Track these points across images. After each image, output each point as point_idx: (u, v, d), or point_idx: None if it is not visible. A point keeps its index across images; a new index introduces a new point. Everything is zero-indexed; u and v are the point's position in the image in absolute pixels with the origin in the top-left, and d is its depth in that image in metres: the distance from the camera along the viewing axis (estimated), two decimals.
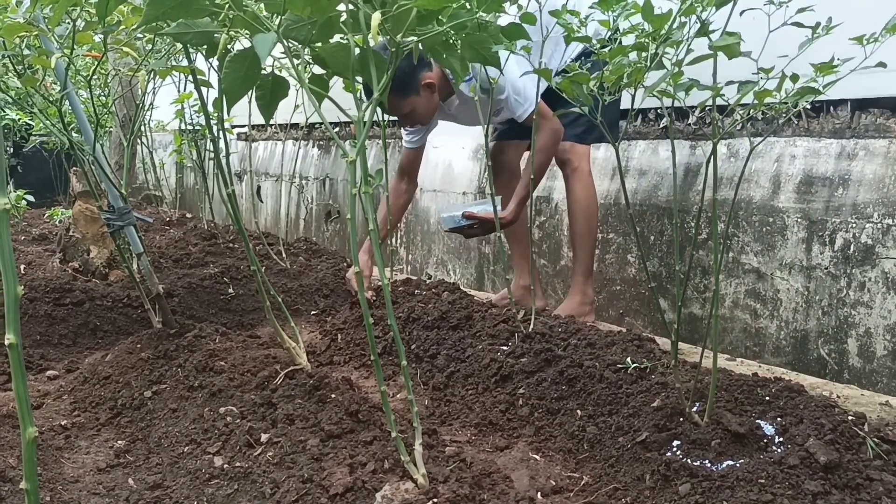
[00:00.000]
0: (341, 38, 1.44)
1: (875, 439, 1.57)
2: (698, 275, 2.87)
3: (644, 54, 1.50)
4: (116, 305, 3.03)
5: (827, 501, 1.41)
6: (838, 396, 1.91)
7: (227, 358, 2.18)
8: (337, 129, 5.11)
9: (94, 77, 2.72)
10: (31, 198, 4.92)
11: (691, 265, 1.87)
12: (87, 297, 3.01)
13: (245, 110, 4.15)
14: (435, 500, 1.43)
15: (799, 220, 2.56)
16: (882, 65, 1.41)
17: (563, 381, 2.05)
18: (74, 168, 3.56)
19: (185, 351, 2.28)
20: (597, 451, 1.79)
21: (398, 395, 2.26)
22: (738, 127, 2.74)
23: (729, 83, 1.49)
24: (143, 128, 5.42)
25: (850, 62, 1.42)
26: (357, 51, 1.42)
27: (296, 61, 1.42)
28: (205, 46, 1.71)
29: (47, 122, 2.43)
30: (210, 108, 2.20)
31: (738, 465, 1.55)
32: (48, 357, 2.65)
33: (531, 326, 2.38)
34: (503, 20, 1.81)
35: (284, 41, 1.36)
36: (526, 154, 3.12)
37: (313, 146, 5.42)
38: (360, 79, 1.59)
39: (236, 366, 2.12)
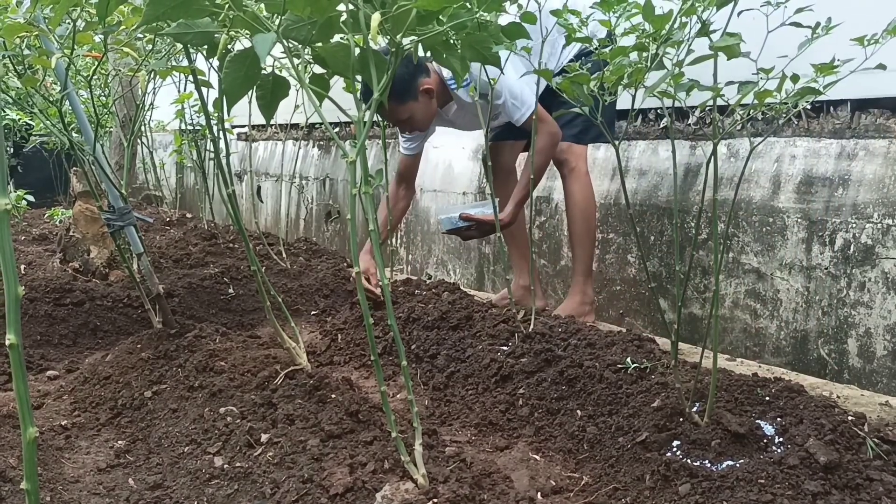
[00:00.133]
0: (341, 38, 1.44)
1: (875, 439, 1.57)
2: (698, 275, 2.87)
3: (644, 54, 1.50)
4: (117, 305, 3.03)
5: (827, 501, 1.41)
6: (838, 397, 1.91)
7: (228, 358, 2.18)
8: (337, 130, 5.11)
9: (95, 77, 2.72)
10: (31, 198, 4.92)
11: (691, 265, 1.87)
12: (88, 298, 3.01)
13: (245, 110, 4.15)
14: (435, 500, 1.43)
15: (799, 220, 2.56)
16: (882, 66, 1.41)
17: (563, 382, 2.05)
18: (75, 168, 3.56)
19: (185, 351, 2.28)
20: (597, 452, 1.79)
21: (398, 396, 2.26)
22: (739, 127, 2.74)
23: (729, 83, 1.49)
24: (143, 128, 5.43)
25: (851, 63, 1.42)
26: (357, 51, 1.42)
27: (296, 61, 1.42)
28: (205, 46, 1.71)
29: (47, 122, 2.43)
30: (210, 108, 2.20)
31: (738, 465, 1.55)
32: (48, 357, 2.65)
33: (531, 326, 2.38)
34: (503, 20, 1.81)
35: (284, 41, 1.36)
36: (523, 155, 3.13)
37: (313, 146, 5.42)
38: (359, 79, 1.59)
39: (236, 366, 2.12)
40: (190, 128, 4.74)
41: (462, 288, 3.01)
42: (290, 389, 1.94)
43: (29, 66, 2.30)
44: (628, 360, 2.06)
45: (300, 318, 3.06)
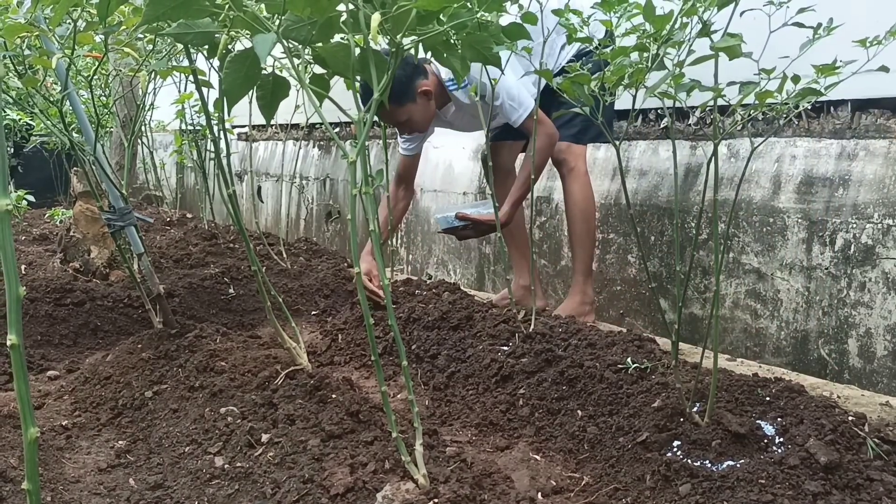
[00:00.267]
0: (342, 38, 1.44)
1: (875, 439, 1.57)
2: (699, 275, 2.87)
3: (645, 55, 1.50)
4: (117, 306, 3.03)
5: (827, 502, 1.41)
6: (839, 397, 1.91)
7: (228, 358, 2.18)
8: (337, 130, 5.11)
9: (95, 77, 2.72)
10: (31, 198, 4.92)
11: (692, 265, 1.87)
12: (88, 298, 3.01)
13: (246, 110, 4.15)
14: (436, 500, 1.43)
15: (799, 220, 2.56)
16: (885, 69, 1.40)
17: (564, 382, 2.05)
18: (75, 168, 3.56)
19: (185, 351, 2.28)
20: (597, 452, 1.79)
21: (399, 396, 2.26)
22: (739, 127, 2.74)
23: (730, 84, 1.49)
24: (143, 128, 5.43)
25: (852, 65, 1.42)
26: (357, 51, 1.42)
27: (296, 61, 1.42)
28: (205, 47, 1.71)
29: (48, 122, 2.43)
30: (211, 109, 2.20)
31: (738, 465, 1.55)
32: (49, 357, 2.65)
33: (532, 327, 2.38)
34: (504, 20, 1.81)
35: (284, 41, 1.36)
36: (520, 155, 3.13)
37: (314, 146, 5.42)
38: (359, 79, 1.59)
39: (237, 366, 2.13)
40: (190, 128, 4.74)
41: (462, 288, 3.01)
42: (291, 389, 1.95)
43: (30, 67, 2.30)
44: (629, 360, 2.06)
45: (301, 319, 3.06)
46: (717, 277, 1.74)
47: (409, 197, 3.24)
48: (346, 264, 3.93)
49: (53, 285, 3.03)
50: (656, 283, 3.02)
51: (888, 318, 2.32)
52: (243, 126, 5.41)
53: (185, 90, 4.74)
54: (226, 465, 1.67)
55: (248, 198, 5.84)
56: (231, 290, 3.36)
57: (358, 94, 1.64)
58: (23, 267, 3.69)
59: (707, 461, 1.59)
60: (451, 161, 4.15)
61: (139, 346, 2.37)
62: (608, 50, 1.56)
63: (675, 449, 1.65)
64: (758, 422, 1.67)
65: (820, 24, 1.42)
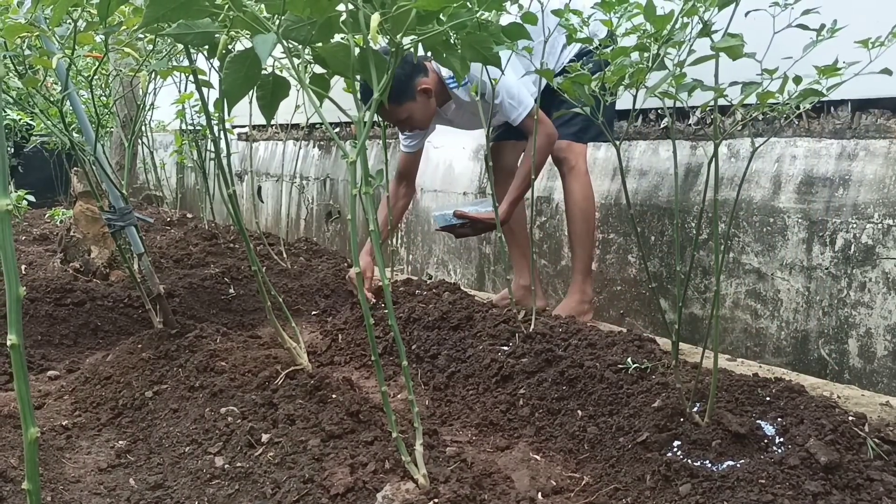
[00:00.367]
0: (341, 38, 1.44)
1: (875, 440, 1.57)
2: (699, 275, 2.87)
3: (646, 55, 1.50)
4: (117, 306, 3.03)
5: (827, 502, 1.41)
6: (839, 397, 1.91)
7: (228, 358, 2.18)
8: (337, 130, 5.11)
9: (96, 77, 2.72)
10: (31, 198, 4.92)
11: (692, 265, 1.86)
12: (88, 298, 3.01)
13: (246, 110, 4.15)
14: (436, 500, 1.43)
15: (799, 220, 2.56)
16: (888, 72, 1.40)
17: (564, 382, 2.05)
18: (75, 168, 3.56)
19: (186, 351, 2.28)
20: (597, 452, 1.79)
21: (399, 396, 2.26)
22: (739, 128, 2.74)
23: (732, 84, 1.49)
24: (143, 128, 5.43)
25: (854, 66, 1.42)
26: (357, 51, 1.42)
27: (296, 61, 1.42)
28: (205, 47, 1.71)
29: (48, 122, 2.43)
30: (211, 109, 2.20)
31: (738, 465, 1.55)
32: (49, 357, 2.65)
33: (532, 327, 2.38)
34: (503, 20, 1.81)
35: (284, 42, 1.36)
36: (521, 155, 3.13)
37: (314, 146, 5.42)
38: (359, 79, 1.59)
39: (237, 366, 2.13)
40: (190, 128, 4.74)
41: (462, 288, 3.01)
42: (291, 389, 1.95)
43: (30, 67, 2.30)
44: (629, 360, 2.06)
45: (301, 319, 3.06)
46: (717, 277, 1.74)
47: (410, 195, 3.24)
48: (346, 264, 3.94)
49: (54, 285, 3.03)
50: (656, 283, 3.02)
51: (888, 318, 2.32)
52: (243, 126, 5.41)
53: (186, 90, 4.74)
54: (226, 465, 1.67)
55: (248, 198, 5.84)
56: (231, 290, 3.36)
57: (358, 95, 1.64)
58: (23, 267, 3.69)
59: (707, 461, 1.59)
60: (451, 161, 4.15)
61: (139, 346, 2.37)
62: (608, 50, 1.56)
63: (675, 449, 1.65)
64: (758, 422, 1.67)
65: (823, 26, 1.42)
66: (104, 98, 4.66)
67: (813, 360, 2.52)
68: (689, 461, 1.59)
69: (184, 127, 4.80)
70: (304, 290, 3.42)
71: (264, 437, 1.73)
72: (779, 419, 1.67)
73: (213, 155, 2.34)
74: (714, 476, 1.52)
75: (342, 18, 1.38)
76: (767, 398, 1.78)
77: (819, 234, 2.50)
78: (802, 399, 1.75)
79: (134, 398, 2.11)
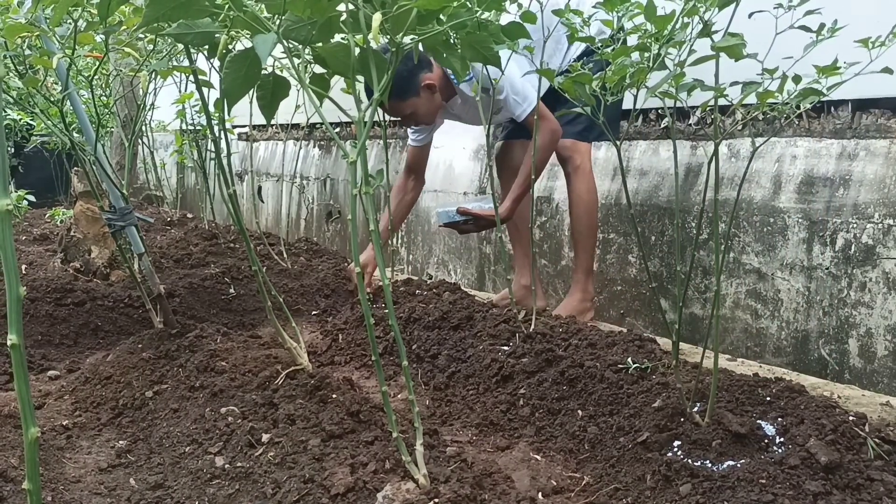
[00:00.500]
0: (342, 38, 1.44)
1: (876, 439, 1.57)
2: (699, 275, 2.87)
3: (647, 55, 1.50)
4: (118, 305, 3.03)
5: (828, 502, 1.41)
6: (839, 397, 1.91)
7: (229, 358, 2.18)
8: (338, 130, 5.11)
9: (96, 77, 2.72)
10: (32, 198, 4.93)
11: (692, 265, 1.86)
12: (89, 298, 3.01)
13: (246, 110, 4.15)
14: (436, 500, 1.43)
15: (800, 220, 2.56)
16: (888, 70, 1.40)
17: (564, 382, 2.05)
18: (76, 168, 3.56)
19: (186, 351, 2.28)
20: (598, 452, 1.79)
21: (399, 396, 2.26)
22: (740, 127, 2.74)
23: (733, 84, 1.49)
24: (144, 128, 5.43)
25: (855, 66, 1.42)
26: (357, 51, 1.42)
27: (296, 61, 1.42)
28: (206, 47, 1.71)
29: (49, 122, 2.43)
30: (211, 108, 2.20)
31: (738, 465, 1.55)
32: (49, 357, 2.65)
33: (532, 326, 2.38)
34: (504, 19, 1.81)
35: (285, 41, 1.36)
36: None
37: (314, 146, 5.42)
38: (361, 79, 1.59)
39: (237, 366, 2.13)
40: (191, 128, 4.74)
41: (463, 288, 3.01)
42: (291, 389, 1.95)
43: (30, 67, 2.30)
44: (629, 360, 2.06)
45: (301, 318, 3.06)
46: (717, 277, 1.74)
47: (419, 188, 3.23)
48: (346, 264, 3.93)
49: (54, 285, 3.03)
50: (657, 283, 3.02)
51: (889, 318, 2.32)
52: (244, 126, 5.41)
53: (186, 90, 4.74)
54: (226, 465, 1.67)
55: (248, 198, 5.84)
56: (231, 290, 3.36)
57: (358, 95, 1.64)
58: (23, 267, 3.69)
59: (707, 461, 1.58)
60: (451, 161, 4.15)
61: (140, 345, 2.37)
62: (609, 50, 1.56)
63: (675, 449, 1.65)
64: (758, 422, 1.67)
65: (823, 25, 1.42)
66: (104, 98, 4.66)
67: (813, 360, 2.52)
68: (690, 461, 1.59)
69: (184, 127, 4.80)
70: (304, 289, 3.42)
71: (265, 437, 1.73)
72: (779, 419, 1.67)
73: (213, 155, 2.34)
74: (714, 476, 1.52)
75: (342, 18, 1.38)
76: (768, 398, 1.78)
77: (819, 233, 2.50)
78: (803, 399, 1.75)
79: (134, 398, 2.11)
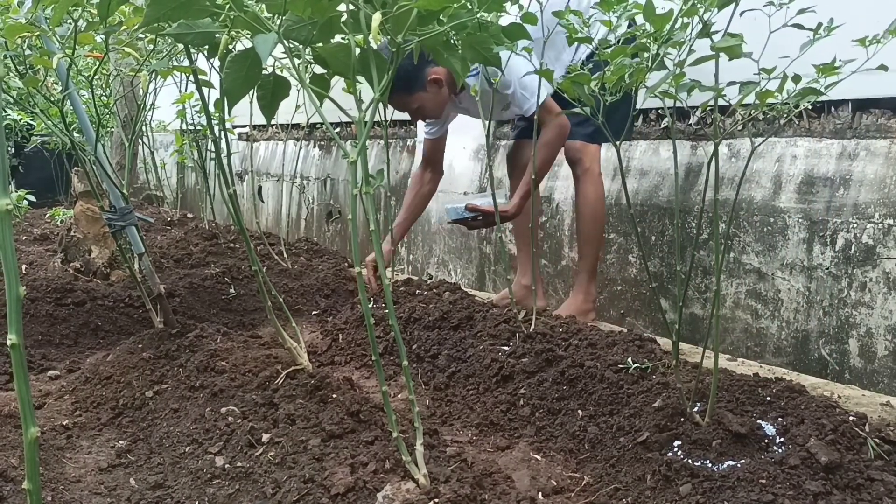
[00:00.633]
0: (342, 38, 1.44)
1: (876, 439, 1.57)
2: (699, 275, 2.87)
3: (646, 55, 1.50)
4: (118, 305, 3.03)
5: (828, 502, 1.41)
6: (839, 397, 1.91)
7: (229, 358, 2.18)
8: (338, 130, 5.11)
9: (96, 77, 2.72)
10: (32, 198, 4.93)
11: (692, 265, 1.86)
12: (89, 297, 3.01)
13: (246, 110, 4.15)
14: (436, 500, 1.43)
15: (800, 220, 2.56)
16: (884, 68, 1.40)
17: (565, 382, 2.05)
18: (76, 168, 3.56)
19: (186, 351, 2.28)
20: (598, 452, 1.79)
21: (399, 395, 2.26)
22: (740, 127, 2.74)
23: (731, 84, 1.49)
24: (144, 128, 5.43)
25: (852, 64, 1.42)
26: (358, 51, 1.42)
27: (297, 61, 1.42)
28: (206, 47, 1.71)
29: (49, 122, 2.43)
30: (211, 108, 2.20)
31: (739, 465, 1.55)
32: (50, 357, 2.65)
33: (532, 326, 2.38)
34: (505, 20, 1.81)
35: (285, 41, 1.36)
36: None
37: (314, 146, 5.42)
38: (363, 79, 1.59)
39: (237, 366, 2.13)
40: (191, 128, 4.74)
41: (463, 288, 3.01)
42: (292, 389, 1.95)
43: (30, 67, 2.30)
44: (629, 360, 2.06)
45: (301, 318, 3.07)
46: (717, 277, 1.74)
47: (436, 180, 3.23)
48: (346, 264, 3.94)
49: (54, 285, 3.03)
50: (657, 283, 3.02)
51: (889, 317, 2.32)
52: (244, 126, 5.42)
53: (186, 90, 4.74)
54: (226, 465, 1.67)
55: (248, 198, 5.84)
56: (232, 290, 3.36)
57: (358, 95, 1.64)
58: (23, 267, 3.69)
59: (708, 461, 1.59)
60: (451, 161, 4.14)
61: (140, 345, 2.37)
62: (608, 51, 1.56)
63: (675, 449, 1.65)
64: (758, 422, 1.67)
65: (820, 24, 1.42)
66: (105, 98, 4.66)
67: (813, 359, 2.52)
68: (690, 461, 1.59)
69: (184, 127, 4.80)
70: (304, 289, 3.42)
71: (265, 437, 1.73)
72: (779, 419, 1.67)
73: (213, 155, 2.34)
74: (714, 476, 1.52)
75: (343, 19, 1.38)
76: (768, 398, 1.78)
77: (820, 233, 2.50)
78: (803, 399, 1.75)
79: (134, 398, 2.11)
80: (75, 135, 2.56)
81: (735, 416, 1.67)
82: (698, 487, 1.51)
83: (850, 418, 1.64)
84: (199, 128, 4.64)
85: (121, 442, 1.94)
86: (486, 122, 2.59)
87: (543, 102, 2.56)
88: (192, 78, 2.14)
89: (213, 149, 2.21)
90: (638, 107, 1.61)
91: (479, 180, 3.93)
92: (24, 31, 1.89)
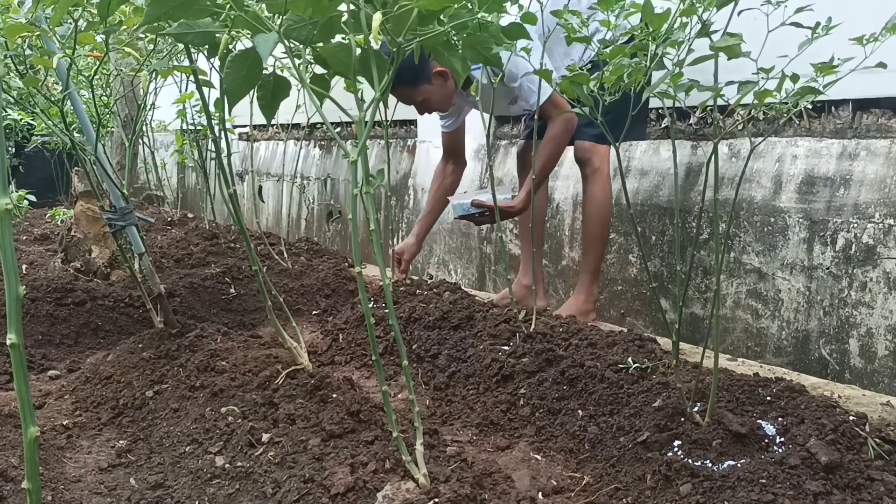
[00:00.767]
0: (343, 38, 1.44)
1: (876, 439, 1.57)
2: (699, 275, 2.87)
3: (645, 54, 1.50)
4: (118, 305, 3.03)
5: (828, 501, 1.41)
6: (839, 396, 1.91)
7: (229, 358, 2.18)
8: (338, 130, 5.11)
9: (96, 77, 2.73)
10: (32, 198, 4.93)
11: (692, 265, 1.87)
12: (89, 297, 3.01)
13: (246, 110, 4.15)
14: (436, 499, 1.43)
15: (800, 220, 2.56)
16: (882, 65, 1.40)
17: (565, 381, 2.05)
18: (76, 168, 3.56)
19: (186, 351, 2.28)
20: (598, 451, 1.79)
21: (399, 395, 2.26)
22: (740, 127, 2.74)
23: (729, 83, 1.49)
24: (144, 128, 5.43)
25: (851, 62, 1.42)
26: (358, 51, 1.42)
27: (297, 61, 1.42)
28: (206, 46, 1.71)
29: (49, 122, 2.43)
30: (212, 108, 2.20)
31: (739, 465, 1.55)
32: (50, 357, 2.66)
33: (532, 326, 2.38)
34: (505, 20, 1.81)
35: (286, 41, 1.36)
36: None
37: (315, 146, 5.42)
38: (364, 79, 1.59)
39: (238, 366, 2.13)
40: (191, 128, 4.75)
41: (463, 288, 3.01)
42: (292, 389, 1.95)
43: (31, 66, 2.30)
44: (629, 359, 2.06)
45: (301, 318, 3.07)
46: (717, 277, 1.74)
47: (459, 171, 3.25)
48: (346, 264, 3.94)
49: (54, 285, 3.03)
50: (657, 283, 3.02)
51: (889, 317, 2.32)
52: (244, 126, 5.42)
53: (186, 90, 4.74)
54: (226, 465, 1.67)
55: (249, 197, 5.84)
56: (232, 290, 3.36)
57: (359, 95, 1.64)
58: (24, 267, 3.69)
59: (708, 461, 1.59)
60: None
61: (140, 345, 2.37)
62: (607, 50, 1.56)
63: (675, 449, 1.65)
64: (759, 421, 1.67)
65: (818, 23, 1.42)
66: (105, 98, 4.66)
67: (814, 359, 2.52)
68: (690, 461, 1.59)
69: (185, 127, 4.80)
70: (304, 289, 3.42)
71: (265, 437, 1.73)
72: (779, 419, 1.67)
73: (213, 155, 2.34)
74: (715, 476, 1.52)
75: (343, 19, 1.38)
76: (768, 398, 1.78)
77: (820, 233, 2.50)
78: (803, 399, 1.75)
79: (134, 398, 2.12)
80: (75, 135, 2.56)
81: (735, 416, 1.67)
82: (698, 487, 1.51)
83: (851, 418, 1.64)
84: (199, 128, 4.64)
85: (121, 442, 1.94)
86: (486, 122, 2.59)
87: (551, 97, 2.56)
88: (192, 78, 2.14)
89: (213, 149, 2.22)
90: (637, 107, 1.61)
91: (479, 180, 3.93)
92: (24, 30, 1.89)
